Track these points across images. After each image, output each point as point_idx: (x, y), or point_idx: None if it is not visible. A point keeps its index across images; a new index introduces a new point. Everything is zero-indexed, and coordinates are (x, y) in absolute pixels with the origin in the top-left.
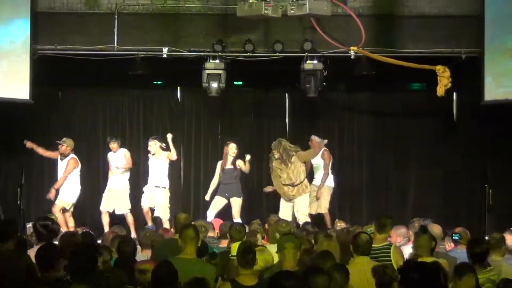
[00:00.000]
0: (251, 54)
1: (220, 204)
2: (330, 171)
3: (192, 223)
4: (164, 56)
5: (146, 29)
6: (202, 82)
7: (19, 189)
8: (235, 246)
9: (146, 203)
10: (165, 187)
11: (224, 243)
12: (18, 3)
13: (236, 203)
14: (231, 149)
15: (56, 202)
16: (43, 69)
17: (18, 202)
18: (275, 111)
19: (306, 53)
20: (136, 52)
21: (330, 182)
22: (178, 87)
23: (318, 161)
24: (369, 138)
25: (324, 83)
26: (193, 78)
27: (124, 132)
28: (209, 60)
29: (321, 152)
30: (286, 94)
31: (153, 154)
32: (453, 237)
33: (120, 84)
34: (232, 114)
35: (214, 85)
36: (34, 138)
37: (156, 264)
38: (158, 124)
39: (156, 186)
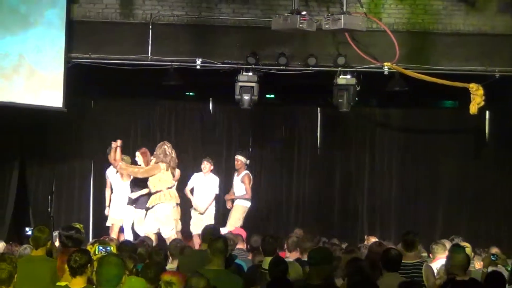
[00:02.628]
0: (284, 68)
1: None
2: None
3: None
4: (198, 67)
5: (180, 40)
6: (235, 94)
7: (50, 197)
8: (267, 260)
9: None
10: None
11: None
12: (54, 12)
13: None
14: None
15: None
16: (77, 77)
17: (49, 209)
18: (307, 125)
19: (340, 68)
20: (169, 63)
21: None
22: (211, 99)
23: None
24: (400, 153)
25: (357, 98)
26: (226, 90)
27: (155, 143)
28: (242, 72)
29: (242, 174)
30: (318, 108)
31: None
32: (492, 258)
33: (153, 95)
34: (263, 127)
35: (247, 97)
36: (66, 147)
37: (190, 276)
38: (189, 136)
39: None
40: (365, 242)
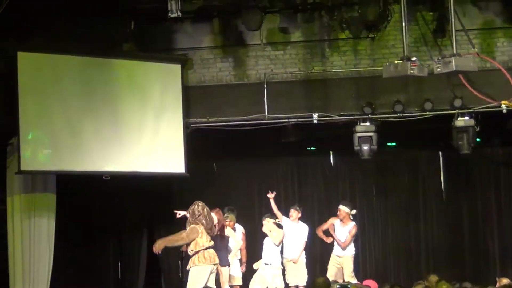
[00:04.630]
0: (401, 115)
1: None
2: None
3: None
4: (315, 121)
5: (295, 96)
6: (354, 145)
7: (180, 262)
8: None
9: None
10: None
11: None
12: (169, 79)
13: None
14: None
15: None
16: (196, 142)
17: (180, 275)
18: (430, 170)
19: (457, 110)
20: (286, 120)
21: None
22: (331, 152)
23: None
24: None
25: (478, 139)
26: (345, 142)
27: (280, 200)
28: (360, 123)
29: (350, 225)
30: (440, 153)
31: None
32: None
33: (274, 153)
34: (386, 176)
35: (366, 147)
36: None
37: None
38: (313, 191)
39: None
40: (497, 285)
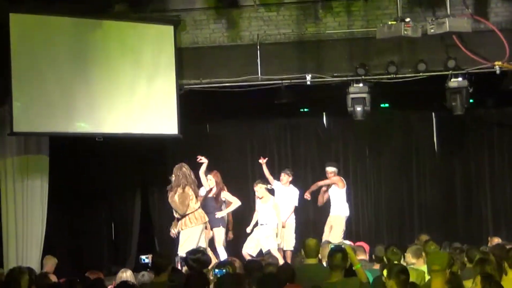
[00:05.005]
0: (394, 76)
1: None
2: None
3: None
4: (308, 83)
5: (288, 57)
6: (347, 106)
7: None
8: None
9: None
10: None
11: (377, 266)
12: (162, 41)
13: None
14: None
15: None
16: (189, 103)
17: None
18: (423, 131)
19: (451, 71)
20: (279, 81)
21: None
22: (324, 113)
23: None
24: None
25: (471, 100)
26: (338, 103)
27: (272, 162)
28: (353, 84)
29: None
30: (433, 114)
31: (261, 198)
32: None
33: (267, 114)
34: (379, 137)
35: (359, 109)
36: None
37: None
38: (307, 152)
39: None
40: (488, 244)
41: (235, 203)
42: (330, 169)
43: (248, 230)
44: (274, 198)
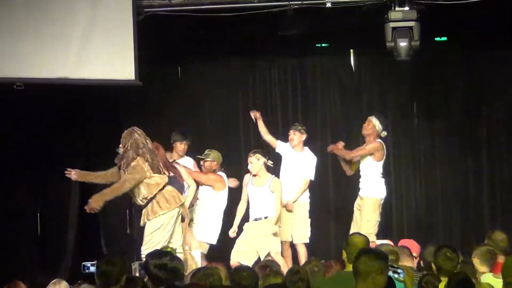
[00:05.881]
0: None
1: None
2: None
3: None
4: (328, 5)
5: None
6: (386, 40)
7: (127, 210)
8: (443, 282)
9: None
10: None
11: None
12: None
13: None
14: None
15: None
16: (153, 35)
17: (127, 230)
18: (498, 79)
19: None
20: (287, 2)
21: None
22: (351, 51)
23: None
24: None
25: None
26: (372, 36)
27: (276, 120)
28: (395, 7)
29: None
30: None
31: (255, 176)
32: None
33: (267, 52)
34: (432, 86)
35: (404, 43)
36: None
37: None
38: (324, 107)
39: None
40: None
41: (191, 186)
42: (373, 123)
43: (232, 233)
44: (274, 178)
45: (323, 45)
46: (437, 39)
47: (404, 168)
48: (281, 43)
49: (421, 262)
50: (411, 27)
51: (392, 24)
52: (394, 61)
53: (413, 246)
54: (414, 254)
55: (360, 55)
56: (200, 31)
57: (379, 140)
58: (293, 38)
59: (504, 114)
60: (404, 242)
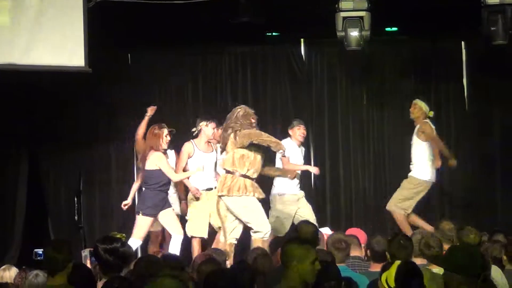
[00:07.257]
0: None
1: None
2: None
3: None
4: None
5: None
6: (337, 30)
7: (75, 198)
8: (390, 273)
9: None
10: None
11: (376, 267)
12: None
13: None
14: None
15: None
16: (103, 21)
17: (75, 217)
18: (447, 68)
19: None
20: None
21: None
22: (302, 40)
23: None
24: None
25: None
26: (323, 25)
27: (226, 108)
28: None
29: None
30: (462, 43)
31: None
32: None
33: (217, 39)
34: (382, 75)
35: (354, 33)
36: (96, 124)
37: None
38: (275, 94)
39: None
40: None
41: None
42: (418, 105)
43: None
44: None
45: (274, 33)
46: (388, 29)
47: (352, 155)
48: (232, 31)
49: (368, 252)
50: (361, 17)
51: (343, 14)
52: (345, 51)
53: (361, 235)
54: (362, 244)
55: (311, 44)
56: (151, 18)
57: (426, 120)
58: (244, 26)
59: (457, 103)
60: (351, 231)
